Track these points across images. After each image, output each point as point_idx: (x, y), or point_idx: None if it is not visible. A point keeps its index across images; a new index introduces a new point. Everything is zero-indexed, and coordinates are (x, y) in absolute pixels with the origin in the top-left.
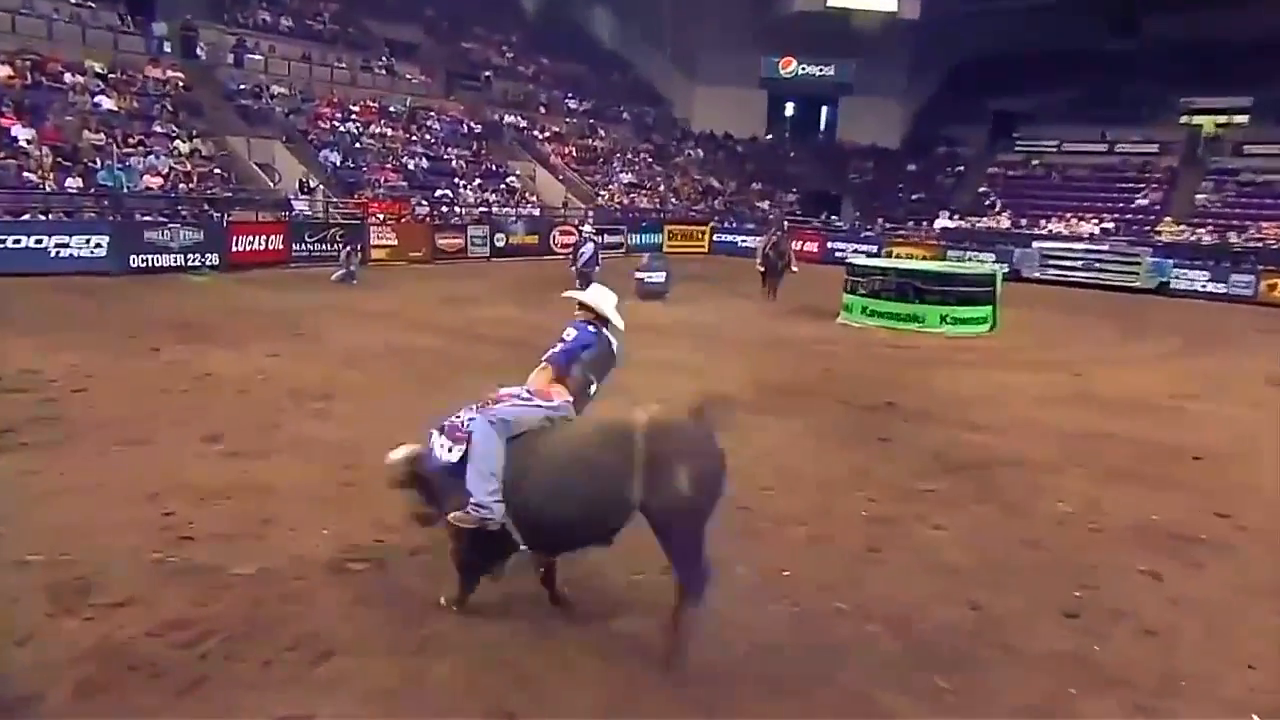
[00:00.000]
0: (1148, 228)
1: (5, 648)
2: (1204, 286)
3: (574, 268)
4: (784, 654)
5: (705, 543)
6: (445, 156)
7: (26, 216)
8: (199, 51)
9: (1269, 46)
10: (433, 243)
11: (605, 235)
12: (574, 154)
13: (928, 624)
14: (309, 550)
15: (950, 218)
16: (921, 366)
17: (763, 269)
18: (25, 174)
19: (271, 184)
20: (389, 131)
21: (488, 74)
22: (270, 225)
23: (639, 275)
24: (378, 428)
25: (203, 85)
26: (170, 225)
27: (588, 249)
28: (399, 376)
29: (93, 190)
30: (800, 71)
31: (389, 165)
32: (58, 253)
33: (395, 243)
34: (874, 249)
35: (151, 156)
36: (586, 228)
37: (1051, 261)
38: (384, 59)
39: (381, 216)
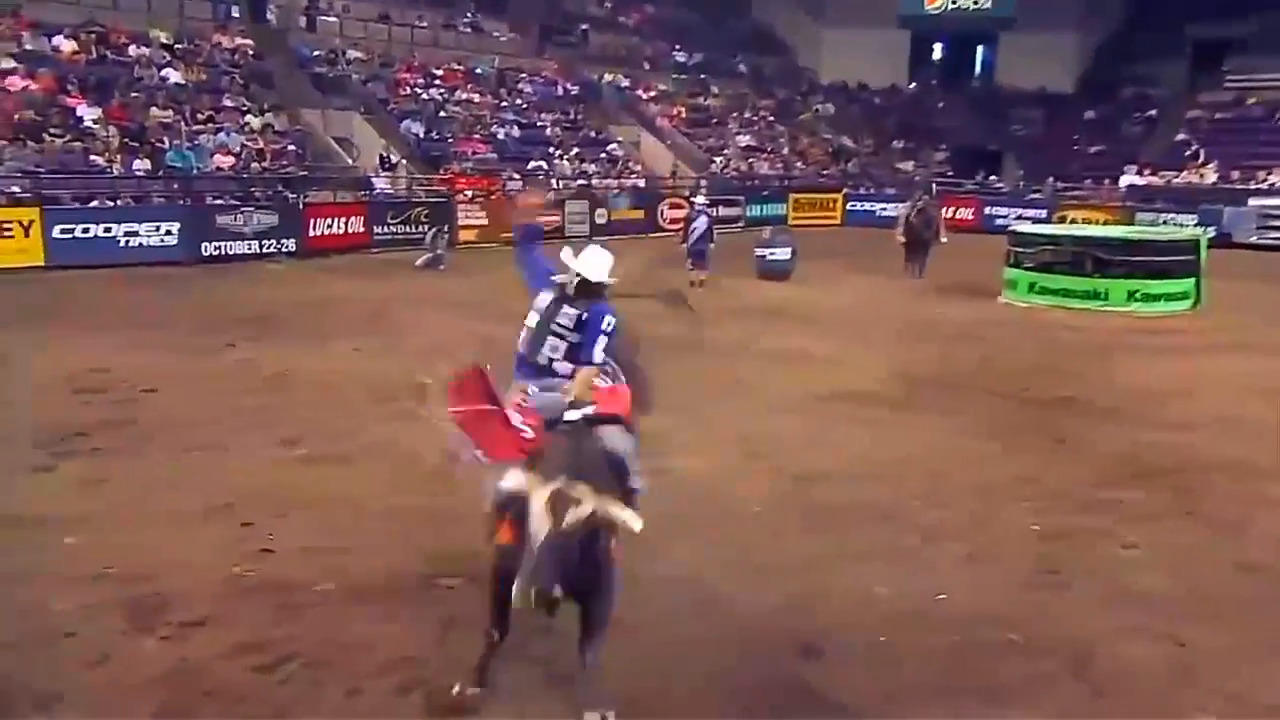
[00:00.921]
0: None
1: (84, 669)
2: None
3: (685, 245)
4: (942, 695)
5: None
6: (538, 123)
7: (94, 203)
8: (269, 15)
9: None
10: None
11: (720, 208)
12: (683, 115)
13: (1118, 662)
14: (396, 566)
15: (1139, 173)
16: (1104, 353)
17: (906, 241)
18: (92, 157)
19: (350, 160)
20: (476, 97)
21: (584, 27)
22: (349, 206)
23: (759, 252)
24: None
25: (274, 52)
26: (243, 209)
27: (700, 224)
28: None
29: (161, 173)
30: (949, 6)
31: (477, 135)
32: (127, 242)
33: (485, 222)
34: (1043, 214)
35: (222, 134)
36: (699, 199)
37: (1272, 223)
38: (469, 15)
39: (470, 193)
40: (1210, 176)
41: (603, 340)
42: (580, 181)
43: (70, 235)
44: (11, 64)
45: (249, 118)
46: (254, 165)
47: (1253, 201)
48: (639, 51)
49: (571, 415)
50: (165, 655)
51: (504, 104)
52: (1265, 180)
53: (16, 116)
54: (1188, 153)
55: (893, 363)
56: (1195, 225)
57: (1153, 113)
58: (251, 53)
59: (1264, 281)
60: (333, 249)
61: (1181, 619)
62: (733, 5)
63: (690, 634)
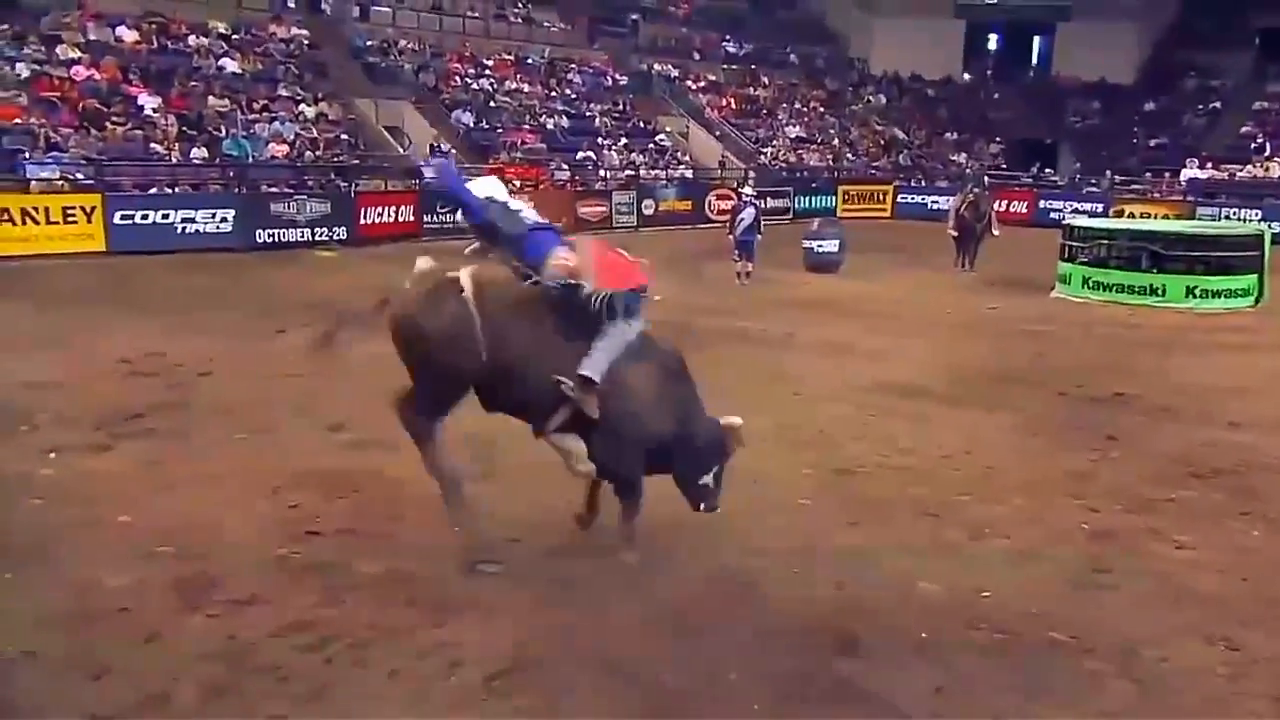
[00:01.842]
0: None
1: (135, 643)
2: None
3: (732, 235)
4: (985, 691)
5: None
6: (587, 114)
7: (153, 190)
8: (324, 5)
9: None
10: (574, 211)
11: (768, 199)
12: (732, 106)
13: (1169, 665)
14: (439, 550)
15: (1200, 167)
16: (1160, 350)
17: (956, 234)
18: (152, 145)
19: (401, 149)
20: (525, 87)
21: (635, 17)
22: (401, 195)
23: (808, 243)
24: (510, 419)
25: (328, 43)
26: (297, 197)
27: (748, 214)
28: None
29: (218, 161)
30: None
31: (526, 125)
32: (184, 228)
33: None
34: (1099, 207)
35: (277, 123)
36: (746, 190)
37: None
38: (520, 5)
39: (518, 183)
40: (1277, 171)
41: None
42: (628, 172)
43: (130, 221)
44: (77, 54)
45: (303, 107)
46: (307, 154)
47: None
48: (689, 42)
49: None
50: (213, 632)
51: (553, 94)
52: None
53: (81, 105)
54: (1253, 145)
55: (941, 356)
56: (1260, 221)
57: (1216, 104)
58: (307, 43)
59: None
60: (384, 237)
61: (1235, 622)
62: None
63: (730, 624)
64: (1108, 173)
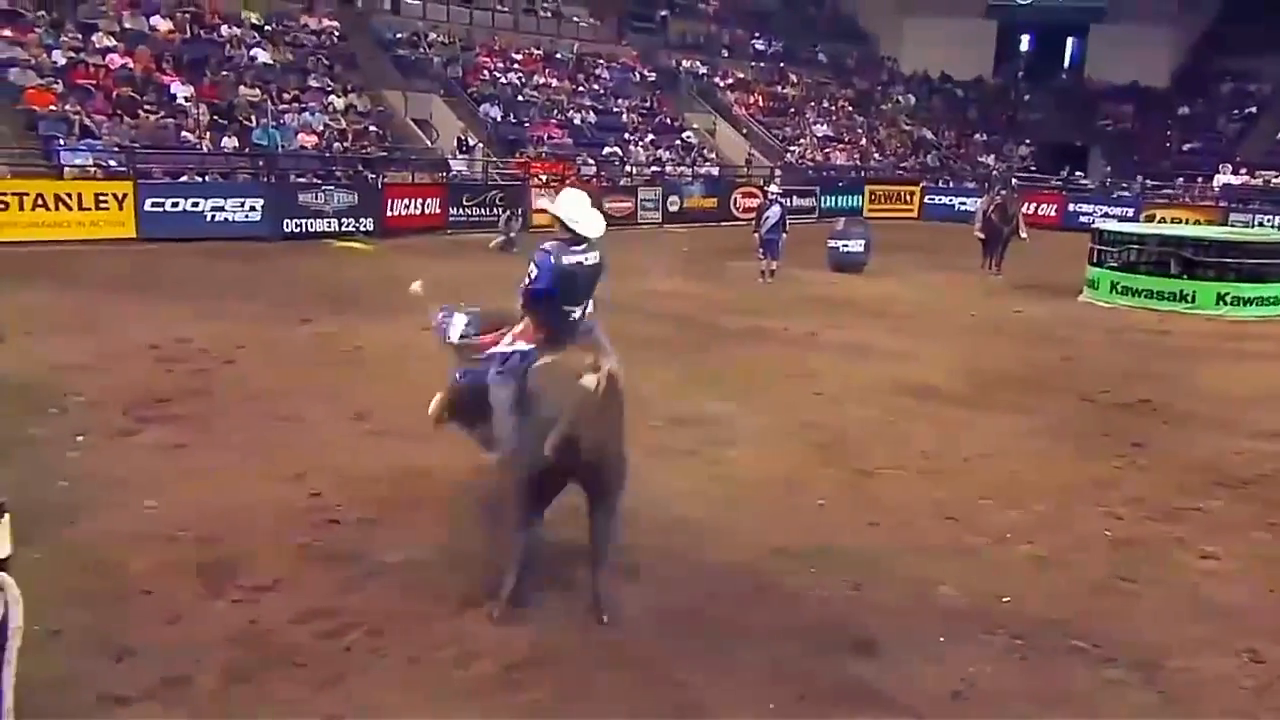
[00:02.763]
0: None
1: (157, 626)
2: None
3: (757, 234)
4: (1003, 699)
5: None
6: (615, 109)
7: (184, 178)
8: None
9: None
10: (599, 207)
11: (794, 197)
12: (760, 104)
13: (1192, 674)
14: (460, 541)
15: (1235, 172)
16: (1189, 357)
17: (983, 236)
18: (184, 133)
19: (429, 142)
20: (554, 82)
21: (664, 13)
22: (427, 188)
23: (833, 243)
24: None
25: (358, 34)
26: (324, 188)
27: (773, 213)
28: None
29: (248, 150)
30: None
31: (553, 120)
32: (213, 217)
33: None
34: (1129, 212)
35: (306, 113)
36: (773, 188)
37: None
38: (549, 0)
39: (544, 178)
40: None
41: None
42: (654, 168)
43: (161, 209)
44: (112, 41)
45: (333, 98)
46: (336, 145)
47: None
48: (717, 38)
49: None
50: (235, 617)
51: (581, 89)
52: None
53: (115, 93)
54: None
55: (965, 359)
56: None
57: (1253, 110)
58: (337, 34)
59: None
60: (410, 229)
61: (1260, 633)
62: None
63: (747, 622)
64: (1139, 177)
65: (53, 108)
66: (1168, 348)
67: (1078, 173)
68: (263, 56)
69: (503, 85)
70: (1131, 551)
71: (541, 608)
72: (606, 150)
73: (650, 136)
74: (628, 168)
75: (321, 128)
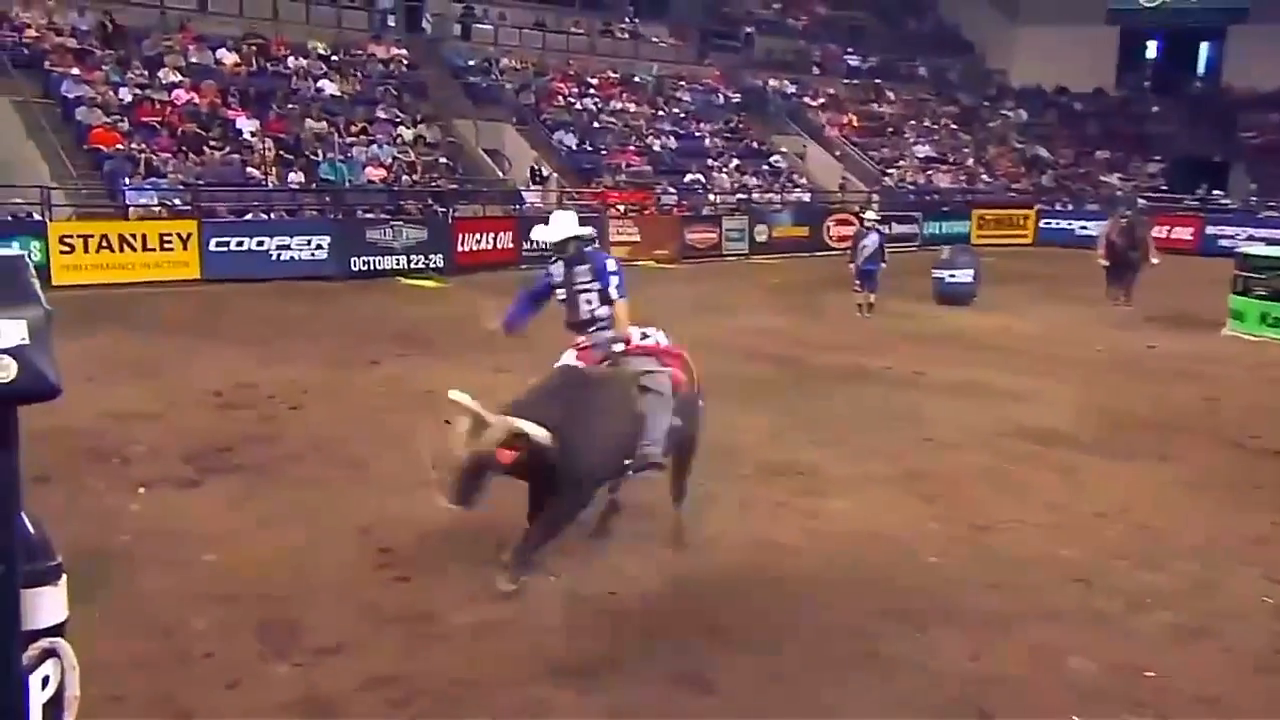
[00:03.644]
0: None
1: (218, 691)
2: None
3: (853, 265)
4: None
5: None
6: (697, 134)
7: (249, 217)
8: (424, 24)
9: None
10: (681, 238)
11: (893, 224)
12: (855, 124)
13: None
14: (534, 601)
15: None
16: None
17: (1108, 263)
18: (249, 169)
19: (501, 173)
20: (632, 107)
21: (749, 30)
22: (499, 221)
23: (938, 274)
24: None
25: (428, 63)
26: (393, 224)
27: (870, 241)
28: None
29: (314, 185)
30: None
31: (631, 147)
32: (279, 255)
33: (637, 238)
34: (1278, 234)
35: (374, 146)
36: (869, 215)
37: None
38: (628, 20)
39: (622, 208)
40: None
41: (614, 278)
42: (740, 196)
43: (225, 249)
44: (178, 77)
45: (401, 129)
46: (405, 178)
47: None
48: (807, 55)
49: (617, 347)
50: (297, 682)
51: (661, 113)
52: None
53: (180, 129)
54: None
55: (1092, 400)
56: None
57: None
58: (406, 63)
59: None
60: (481, 265)
61: None
62: (913, 3)
63: (852, 689)
64: None
65: (119, 146)
66: None
67: (1216, 191)
68: (330, 88)
69: (578, 111)
70: None
71: (621, 677)
72: (688, 177)
73: (735, 162)
74: (711, 196)
75: (390, 160)
